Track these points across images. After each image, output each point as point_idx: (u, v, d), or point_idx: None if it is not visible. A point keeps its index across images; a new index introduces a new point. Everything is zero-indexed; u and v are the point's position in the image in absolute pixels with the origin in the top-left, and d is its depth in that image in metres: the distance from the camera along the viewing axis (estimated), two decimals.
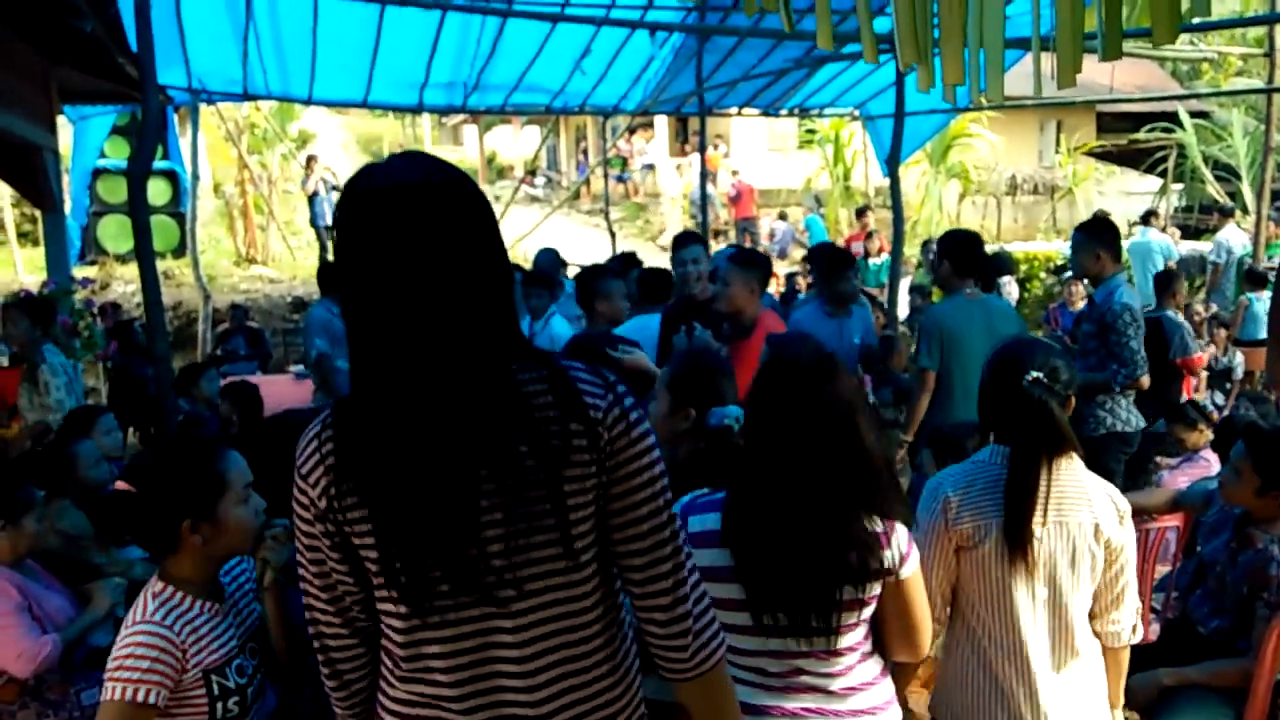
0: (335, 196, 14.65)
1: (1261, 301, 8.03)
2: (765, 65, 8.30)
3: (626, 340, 3.04)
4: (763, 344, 3.17)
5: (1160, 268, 9.98)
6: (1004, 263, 9.88)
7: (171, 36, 6.43)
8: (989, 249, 6.65)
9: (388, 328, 1.26)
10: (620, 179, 20.33)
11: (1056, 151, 18.88)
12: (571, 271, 7.10)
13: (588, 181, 19.22)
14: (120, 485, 1.98)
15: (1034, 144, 19.39)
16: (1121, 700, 2.31)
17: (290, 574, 2.06)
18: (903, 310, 9.53)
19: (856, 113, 10.31)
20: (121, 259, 12.46)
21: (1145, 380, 4.22)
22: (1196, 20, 6.83)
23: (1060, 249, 13.07)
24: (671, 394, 2.30)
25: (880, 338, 5.47)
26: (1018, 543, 2.07)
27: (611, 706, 1.40)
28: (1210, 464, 4.54)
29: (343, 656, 1.44)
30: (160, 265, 8.00)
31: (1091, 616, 2.19)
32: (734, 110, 10.42)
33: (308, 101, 8.48)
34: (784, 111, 10.35)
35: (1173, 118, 16.01)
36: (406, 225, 1.24)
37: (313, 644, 1.46)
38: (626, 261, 6.35)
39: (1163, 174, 16.86)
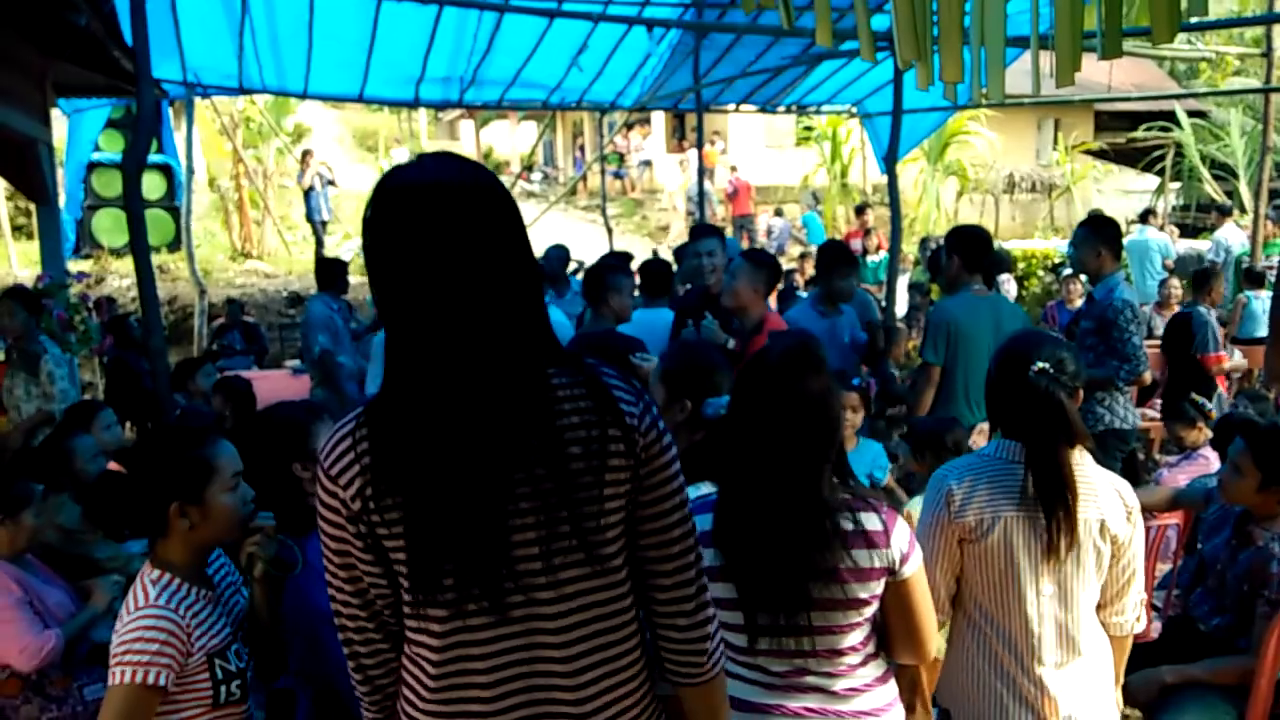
0: (331, 191, 14.65)
1: (1259, 300, 8.03)
2: (763, 62, 8.30)
3: (633, 340, 3.03)
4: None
5: (1158, 266, 10.00)
6: (1002, 261, 9.88)
7: (166, 30, 6.40)
8: None
9: (425, 328, 1.25)
10: (617, 175, 20.32)
11: (1054, 150, 18.89)
12: (570, 267, 7.10)
13: (584, 177, 19.19)
14: (112, 466, 1.99)
15: (1032, 142, 19.41)
16: (1121, 682, 2.30)
17: (280, 566, 2.06)
18: (900, 307, 9.52)
19: (854, 110, 10.30)
20: (116, 253, 12.43)
21: (1147, 376, 4.22)
22: (1195, 19, 6.84)
23: (1058, 247, 13.08)
24: (666, 386, 2.29)
25: (884, 327, 5.43)
26: (1066, 534, 2.05)
27: (642, 704, 1.41)
28: (1210, 461, 4.54)
29: (372, 662, 1.41)
30: (155, 259, 7.99)
31: (1098, 607, 2.19)
32: (731, 107, 10.43)
33: (303, 95, 8.46)
34: (781, 108, 10.34)
35: (1170, 117, 16.03)
36: (444, 224, 1.23)
37: (342, 648, 1.43)
38: (622, 260, 6.35)
39: (1160, 173, 16.89)
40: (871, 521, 1.80)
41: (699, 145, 10.00)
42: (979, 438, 3.59)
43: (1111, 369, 4.15)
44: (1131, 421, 4.32)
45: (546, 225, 12.87)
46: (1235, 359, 7.47)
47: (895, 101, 6.91)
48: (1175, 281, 8.70)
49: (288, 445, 2.24)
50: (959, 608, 2.23)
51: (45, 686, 2.86)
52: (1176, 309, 8.30)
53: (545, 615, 1.32)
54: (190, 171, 9.37)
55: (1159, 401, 6.87)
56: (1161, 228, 11.53)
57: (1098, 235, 4.33)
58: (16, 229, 13.62)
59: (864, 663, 1.86)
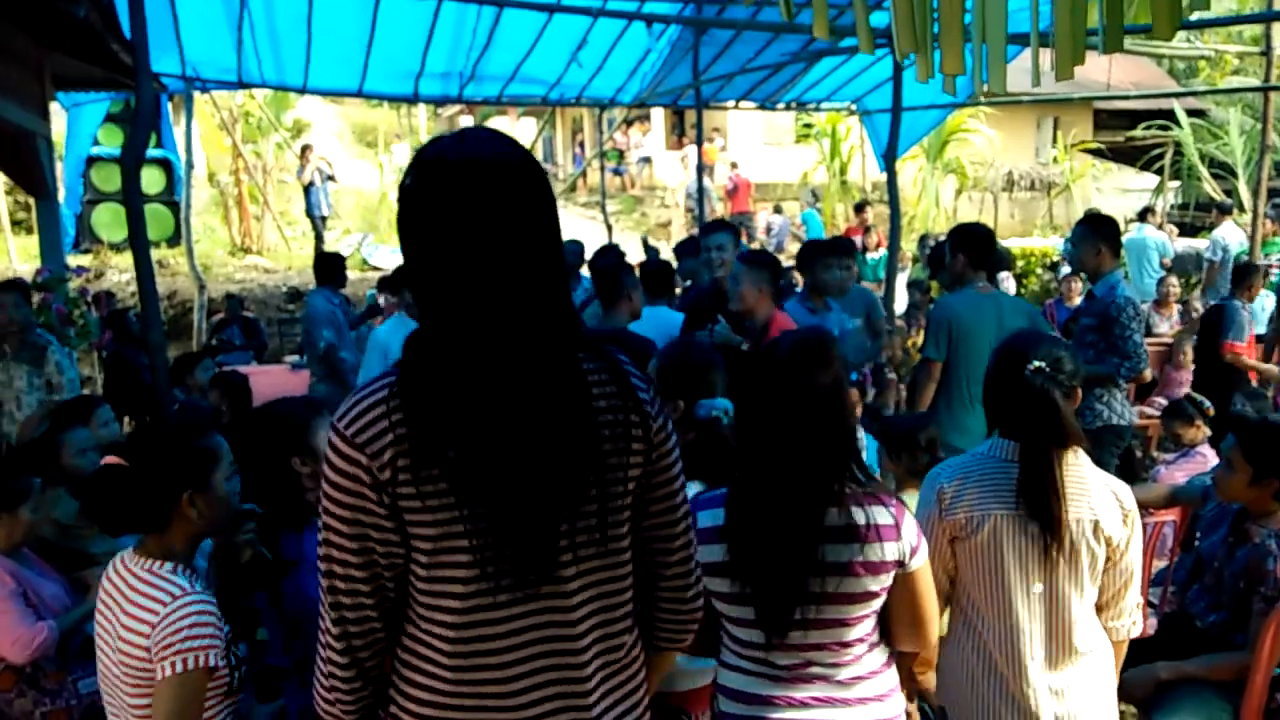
0: (330, 186, 14.63)
1: (1259, 299, 8.02)
2: (762, 59, 8.29)
3: (640, 338, 3.05)
4: None
5: (1156, 264, 10.00)
6: (1002, 259, 9.87)
7: (165, 23, 6.39)
8: None
9: (465, 305, 1.26)
10: (616, 171, 20.30)
11: (1053, 148, 18.89)
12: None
13: (584, 174, 19.18)
14: (110, 460, 1.98)
15: (1031, 140, 19.40)
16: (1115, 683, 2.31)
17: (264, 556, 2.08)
18: (900, 305, 9.52)
19: (854, 107, 10.30)
20: (116, 247, 12.39)
21: (1147, 374, 4.23)
22: (1195, 17, 6.85)
23: (1056, 245, 13.08)
24: (659, 385, 2.29)
25: (873, 371, 5.45)
26: (1052, 535, 2.06)
27: (637, 678, 1.47)
28: (1207, 459, 4.56)
29: (363, 642, 1.36)
30: (155, 254, 7.96)
31: (1097, 609, 2.19)
32: (731, 103, 10.41)
33: (302, 90, 8.45)
34: (781, 105, 10.34)
35: (1169, 115, 16.03)
36: (488, 199, 1.23)
37: (330, 629, 1.37)
38: (620, 255, 6.39)
39: (1159, 171, 16.89)
40: (883, 515, 1.81)
41: (698, 142, 9.99)
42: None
43: (1112, 366, 4.17)
44: (1129, 418, 4.35)
45: None
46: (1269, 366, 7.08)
47: (895, 99, 6.90)
48: (1173, 280, 8.69)
49: (287, 440, 2.26)
50: (954, 605, 2.24)
51: (40, 680, 2.87)
52: (1175, 307, 8.32)
53: (563, 593, 1.35)
54: (189, 166, 9.35)
55: (1158, 399, 6.88)
56: (1160, 226, 11.52)
57: (1097, 233, 4.34)
58: (16, 223, 13.59)
59: (868, 651, 1.88)
